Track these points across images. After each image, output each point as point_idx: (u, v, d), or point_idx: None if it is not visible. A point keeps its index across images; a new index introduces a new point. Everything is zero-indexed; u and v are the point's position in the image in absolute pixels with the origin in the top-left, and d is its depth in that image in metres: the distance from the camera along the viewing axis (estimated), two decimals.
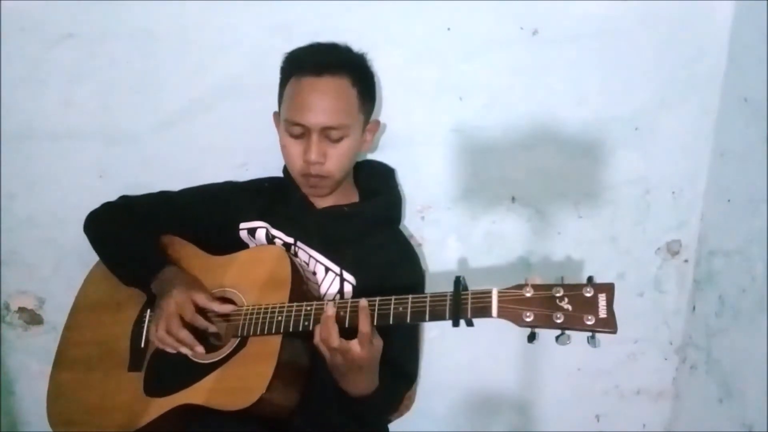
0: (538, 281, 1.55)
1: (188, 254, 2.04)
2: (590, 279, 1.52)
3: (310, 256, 2.02)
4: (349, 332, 1.68)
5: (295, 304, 1.77)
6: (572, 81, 2.22)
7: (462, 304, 1.59)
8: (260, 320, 1.78)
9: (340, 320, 1.69)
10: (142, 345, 1.94)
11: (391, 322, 1.66)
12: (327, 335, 1.68)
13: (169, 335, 1.80)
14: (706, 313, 2.36)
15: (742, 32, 2.15)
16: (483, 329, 1.65)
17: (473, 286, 1.64)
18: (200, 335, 1.85)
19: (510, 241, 2.38)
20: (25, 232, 2.38)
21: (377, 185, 2.17)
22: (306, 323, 1.74)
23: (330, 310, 1.68)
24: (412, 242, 2.32)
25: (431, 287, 2.26)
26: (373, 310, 1.68)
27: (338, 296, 1.99)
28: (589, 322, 1.47)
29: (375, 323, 1.67)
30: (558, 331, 1.51)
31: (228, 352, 1.80)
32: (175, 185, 2.18)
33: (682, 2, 2.13)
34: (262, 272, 1.89)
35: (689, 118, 2.27)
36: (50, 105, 2.25)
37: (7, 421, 2.57)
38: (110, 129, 2.28)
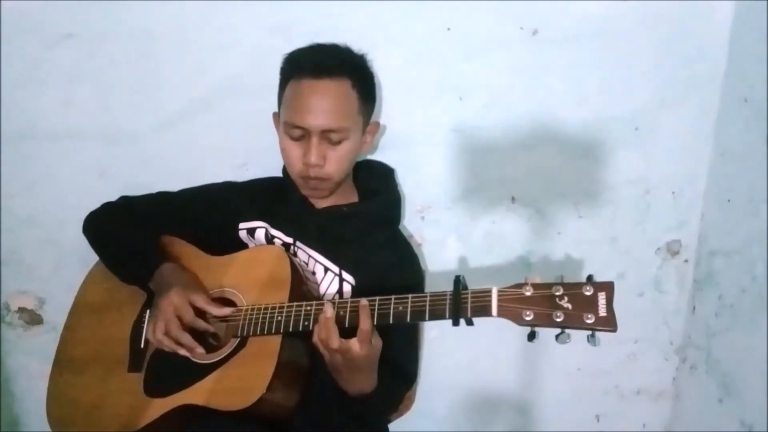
0: (538, 280, 1.55)
1: (188, 254, 2.04)
2: (590, 278, 1.53)
3: (310, 256, 2.01)
4: (348, 332, 1.68)
5: (294, 303, 1.77)
6: (572, 81, 2.22)
7: (462, 303, 1.59)
8: (260, 320, 1.78)
9: (339, 320, 1.69)
10: (142, 345, 1.93)
11: (391, 322, 1.66)
12: (327, 337, 1.67)
13: (168, 337, 1.81)
14: (706, 313, 2.36)
15: (742, 32, 2.15)
16: (483, 329, 1.65)
17: (473, 285, 1.63)
18: (199, 335, 1.85)
19: (510, 241, 2.38)
20: (25, 232, 2.38)
21: (377, 185, 2.17)
22: (306, 323, 1.74)
23: (329, 311, 1.68)
24: (412, 242, 2.33)
25: (431, 287, 2.26)
26: (373, 309, 1.67)
27: (337, 296, 1.98)
28: (589, 321, 1.47)
29: (375, 323, 1.67)
30: (558, 330, 1.50)
31: (228, 352, 1.80)
32: (175, 185, 2.18)
33: (682, 2, 2.14)
34: (262, 272, 1.89)
35: (689, 118, 2.27)
36: (50, 105, 2.25)
37: (7, 421, 2.57)
38: (110, 129, 2.28)
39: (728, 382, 2.25)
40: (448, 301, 1.61)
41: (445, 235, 2.38)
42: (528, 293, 1.53)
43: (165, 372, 1.86)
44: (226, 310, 1.84)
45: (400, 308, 1.66)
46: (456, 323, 1.59)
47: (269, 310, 1.78)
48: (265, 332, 1.76)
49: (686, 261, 2.43)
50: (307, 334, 1.74)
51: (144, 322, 1.96)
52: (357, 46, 2.04)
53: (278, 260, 1.90)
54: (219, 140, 2.28)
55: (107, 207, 2.14)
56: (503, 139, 2.27)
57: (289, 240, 2.04)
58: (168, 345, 1.81)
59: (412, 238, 2.35)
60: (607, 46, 2.19)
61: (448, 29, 2.17)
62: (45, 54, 2.19)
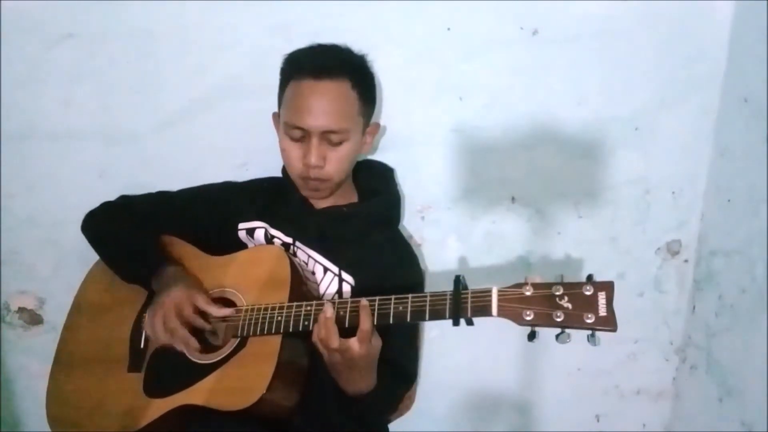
0: (538, 280, 1.55)
1: (187, 254, 2.03)
2: (590, 277, 1.53)
3: (309, 256, 2.01)
4: (348, 332, 1.68)
5: (294, 303, 1.77)
6: (572, 81, 2.22)
7: (462, 303, 1.59)
8: (260, 320, 1.78)
9: (339, 320, 1.69)
10: (142, 345, 1.93)
11: (391, 322, 1.66)
12: (326, 336, 1.67)
13: (164, 327, 1.80)
14: (706, 313, 2.36)
15: (742, 32, 2.15)
16: (483, 329, 1.65)
17: (473, 285, 1.63)
18: (198, 335, 1.85)
19: (510, 241, 2.39)
20: (25, 232, 2.38)
21: (376, 185, 2.17)
22: (306, 323, 1.73)
23: (329, 311, 1.68)
24: (412, 242, 2.33)
25: (431, 287, 2.26)
26: (373, 309, 1.67)
27: (337, 296, 1.98)
28: (589, 321, 1.47)
29: (375, 322, 1.67)
30: (558, 330, 1.51)
31: (228, 352, 1.80)
32: (175, 185, 2.18)
33: (682, 2, 2.14)
34: (262, 272, 1.89)
35: (689, 118, 2.27)
36: (50, 105, 2.25)
37: (7, 421, 2.57)
38: (110, 129, 2.28)
39: (728, 382, 2.25)
40: (448, 301, 1.61)
41: (445, 235, 2.38)
42: (528, 293, 1.53)
43: (165, 372, 1.86)
44: (226, 311, 1.83)
45: (400, 308, 1.65)
46: (456, 323, 1.58)
47: (269, 311, 1.78)
48: (265, 332, 1.76)
49: (686, 261, 2.43)
50: (307, 333, 1.73)
51: (144, 322, 1.96)
52: (357, 46, 2.04)
53: (278, 260, 1.89)
54: (219, 140, 2.28)
55: (106, 206, 2.14)
56: (503, 139, 2.27)
57: (289, 240, 2.04)
58: (163, 337, 1.81)
59: (412, 238, 2.36)
60: (607, 46, 2.19)
61: (448, 29, 2.17)
62: (45, 54, 2.19)
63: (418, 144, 2.29)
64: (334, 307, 1.69)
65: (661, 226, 2.39)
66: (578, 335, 1.51)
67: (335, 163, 1.96)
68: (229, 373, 1.78)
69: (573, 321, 1.48)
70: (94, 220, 2.12)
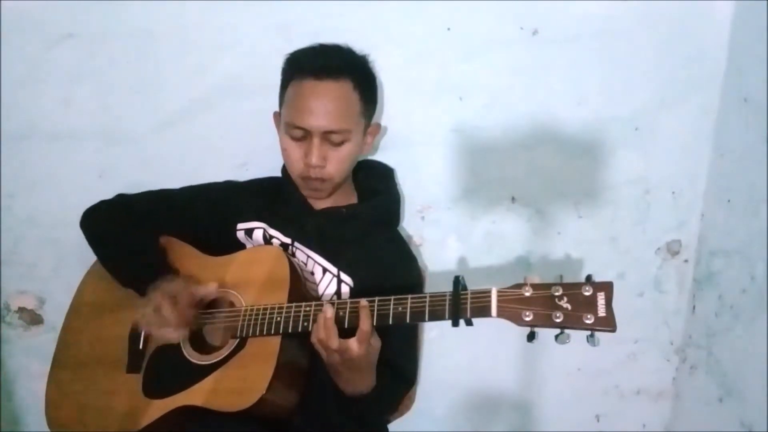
0: (537, 280, 1.55)
1: (186, 254, 2.03)
2: (589, 278, 1.52)
3: (308, 256, 2.01)
4: (348, 332, 1.68)
5: (294, 304, 1.76)
6: (572, 81, 2.22)
7: (461, 304, 1.59)
8: (259, 321, 1.77)
9: (339, 320, 1.69)
10: (141, 346, 1.92)
11: (390, 322, 1.66)
12: (326, 337, 1.67)
13: (156, 314, 1.79)
14: (706, 313, 2.36)
15: (742, 32, 2.15)
16: (483, 329, 1.65)
17: (473, 286, 1.63)
18: (197, 337, 1.87)
19: (510, 241, 2.39)
20: (25, 232, 2.38)
21: (376, 185, 2.17)
22: (305, 324, 1.73)
23: (329, 312, 1.68)
24: (412, 242, 2.34)
25: (431, 287, 2.26)
26: (373, 310, 1.67)
27: (335, 297, 1.98)
28: (588, 321, 1.47)
29: (374, 323, 1.67)
30: (557, 330, 1.51)
31: (227, 353, 1.80)
32: (175, 185, 2.17)
33: (682, 2, 2.14)
34: (261, 272, 1.89)
35: (689, 118, 2.27)
36: (50, 105, 2.25)
37: (7, 421, 2.57)
38: (110, 129, 2.28)
39: (728, 382, 2.25)
40: (447, 302, 1.61)
41: (445, 235, 2.38)
42: (527, 294, 1.53)
43: (164, 373, 1.86)
44: (212, 286, 1.86)
45: (400, 309, 1.65)
46: (455, 324, 1.58)
47: (268, 311, 1.78)
48: (265, 333, 1.75)
49: (686, 261, 2.43)
50: (307, 334, 1.73)
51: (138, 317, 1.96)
52: (357, 46, 2.04)
53: (277, 260, 1.89)
54: (219, 140, 2.28)
55: (105, 205, 2.12)
56: (503, 139, 2.27)
57: (288, 240, 2.04)
58: (154, 322, 1.79)
59: (412, 238, 2.36)
60: (607, 46, 2.19)
61: (448, 29, 2.17)
62: (45, 54, 2.19)
63: (418, 144, 2.29)
64: (333, 308, 1.69)
65: (661, 226, 2.39)
66: (578, 336, 1.51)
67: (336, 163, 1.96)
68: (229, 374, 1.77)
69: (572, 321, 1.48)
70: (93, 219, 2.10)
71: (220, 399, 1.74)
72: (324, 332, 1.67)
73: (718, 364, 2.31)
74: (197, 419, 1.74)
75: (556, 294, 1.51)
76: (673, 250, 2.41)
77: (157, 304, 1.79)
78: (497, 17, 2.16)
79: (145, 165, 2.30)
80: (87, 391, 1.94)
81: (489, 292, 1.57)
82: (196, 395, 1.77)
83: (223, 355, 1.80)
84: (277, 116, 2.06)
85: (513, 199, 2.34)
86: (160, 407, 1.80)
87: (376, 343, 1.72)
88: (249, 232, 2.06)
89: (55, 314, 2.31)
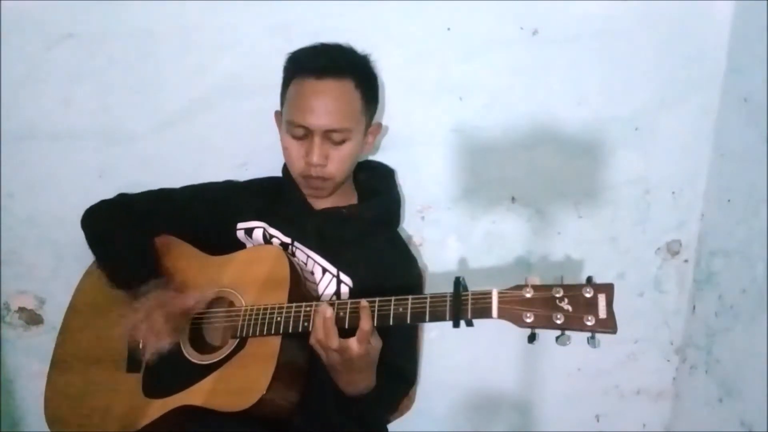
0: (538, 281, 1.55)
1: (185, 254, 2.03)
2: (589, 279, 1.52)
3: (308, 256, 2.01)
4: (348, 333, 1.68)
5: (294, 304, 1.76)
6: (572, 81, 2.22)
7: (462, 305, 1.58)
8: (259, 321, 1.77)
9: (339, 321, 1.68)
10: (140, 345, 1.92)
11: (391, 323, 1.65)
12: (325, 337, 1.67)
13: (147, 324, 1.79)
14: (706, 313, 2.37)
15: (742, 32, 2.15)
16: (483, 329, 1.65)
17: (473, 286, 1.63)
18: (197, 336, 1.87)
19: (510, 241, 2.39)
20: (25, 232, 2.38)
21: (377, 186, 2.17)
22: (305, 324, 1.73)
23: (328, 312, 1.68)
24: (413, 242, 2.34)
25: (431, 287, 2.27)
26: (373, 310, 1.67)
27: (335, 297, 1.98)
28: (589, 323, 1.47)
29: (375, 324, 1.66)
30: (558, 332, 1.51)
31: (227, 353, 1.79)
32: (175, 185, 2.16)
33: (682, 2, 2.14)
34: (261, 272, 1.89)
35: (689, 118, 2.27)
36: (50, 105, 2.25)
37: (7, 421, 2.57)
38: (110, 129, 2.28)
39: (728, 382, 2.25)
40: (448, 303, 1.61)
41: (445, 235, 2.38)
42: (528, 295, 1.53)
43: (164, 373, 1.85)
44: (195, 297, 1.85)
45: (400, 309, 1.65)
46: (456, 325, 1.58)
47: (268, 311, 1.78)
48: (265, 333, 1.75)
49: (686, 261, 2.43)
50: (307, 334, 1.73)
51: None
52: (357, 46, 2.04)
53: (277, 260, 1.89)
54: (219, 140, 2.28)
55: (105, 204, 2.12)
56: (503, 139, 2.27)
57: (287, 240, 2.04)
58: (142, 332, 1.79)
59: (412, 238, 2.36)
60: (607, 46, 2.19)
61: (448, 29, 2.17)
62: (45, 54, 2.19)
63: (418, 144, 2.29)
64: (333, 308, 1.69)
65: (661, 226, 2.39)
66: (578, 336, 1.51)
67: (337, 162, 1.96)
68: (229, 374, 1.77)
69: (573, 323, 1.48)
70: (92, 218, 2.10)
71: (220, 399, 1.74)
72: (323, 332, 1.67)
73: (718, 364, 2.31)
74: (197, 419, 1.74)
75: (557, 295, 1.50)
76: (673, 250, 2.41)
77: (148, 313, 1.79)
78: (497, 17, 2.16)
79: (145, 165, 2.29)
80: (86, 391, 1.94)
81: (490, 293, 1.57)
82: (195, 395, 1.77)
83: (223, 355, 1.80)
84: (278, 115, 2.06)
85: (513, 199, 2.34)
86: (159, 407, 1.80)
87: (377, 343, 1.72)
88: (249, 232, 2.06)
89: (55, 314, 2.30)
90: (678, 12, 2.15)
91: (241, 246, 2.05)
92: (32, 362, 2.50)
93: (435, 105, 2.25)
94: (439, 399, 2.54)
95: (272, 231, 2.05)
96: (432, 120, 2.26)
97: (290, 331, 1.73)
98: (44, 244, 2.39)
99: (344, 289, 1.99)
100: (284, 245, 2.03)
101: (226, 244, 2.03)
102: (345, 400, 1.83)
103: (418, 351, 2.21)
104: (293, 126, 1.93)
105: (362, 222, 2.06)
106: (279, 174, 2.13)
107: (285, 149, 2.00)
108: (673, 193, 2.35)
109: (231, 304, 1.87)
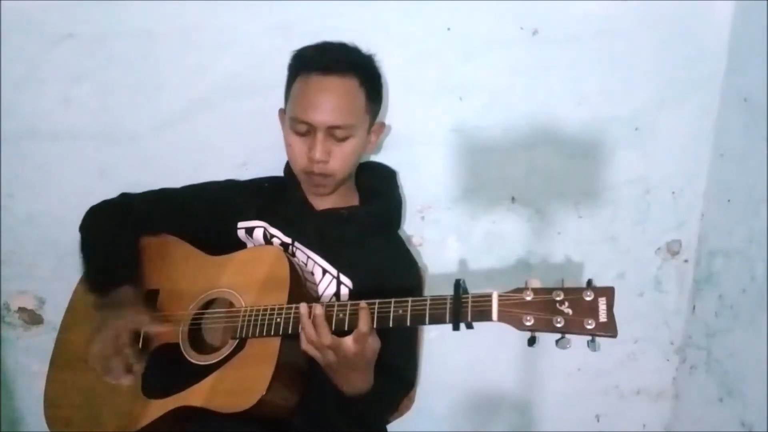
0: (538, 284, 1.55)
1: (185, 254, 2.03)
2: (589, 282, 1.52)
3: (308, 257, 2.01)
4: (347, 335, 1.67)
5: (294, 305, 1.75)
6: (572, 81, 2.22)
7: (462, 308, 1.58)
8: (259, 322, 1.77)
9: (338, 322, 1.68)
10: (140, 346, 1.92)
11: (390, 325, 1.65)
12: (318, 334, 1.66)
13: (102, 358, 1.80)
14: (706, 313, 2.37)
15: (742, 32, 2.15)
16: (483, 330, 1.64)
17: (473, 286, 1.63)
18: (195, 336, 1.87)
19: (510, 241, 2.39)
20: (25, 232, 2.39)
21: (378, 187, 2.17)
22: None
23: (318, 309, 1.67)
24: (412, 242, 2.34)
25: (431, 287, 2.28)
26: (373, 312, 1.66)
27: (334, 298, 1.98)
28: (589, 327, 1.47)
29: (375, 326, 1.66)
30: (558, 335, 1.50)
31: (227, 353, 1.79)
32: (176, 185, 2.17)
33: (682, 2, 2.14)
34: (260, 272, 1.88)
35: (689, 118, 2.27)
36: (50, 105, 2.25)
37: (7, 421, 2.58)
38: (110, 129, 2.28)
39: (728, 382, 2.25)
40: (448, 306, 1.60)
41: (445, 235, 2.39)
42: (528, 298, 1.52)
43: (163, 373, 1.85)
44: (162, 328, 1.85)
45: (400, 311, 1.64)
46: (456, 328, 1.58)
47: (268, 312, 1.77)
48: (264, 334, 1.75)
49: (686, 261, 2.43)
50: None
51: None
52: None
53: (277, 260, 1.88)
54: (219, 140, 2.28)
55: (105, 204, 2.13)
56: (503, 139, 2.27)
57: (288, 240, 2.04)
58: (98, 366, 1.81)
59: (412, 238, 2.36)
60: (607, 46, 2.19)
61: (448, 29, 2.17)
62: (45, 54, 2.19)
63: (418, 144, 2.29)
64: (323, 306, 1.68)
65: (661, 226, 2.39)
66: (578, 339, 1.51)
67: (339, 159, 1.96)
68: (228, 375, 1.77)
69: (573, 326, 1.48)
70: (89, 218, 2.11)
71: (220, 399, 1.74)
72: (313, 330, 1.67)
73: (718, 364, 2.31)
74: (197, 419, 1.74)
75: (558, 299, 1.50)
76: (673, 250, 2.41)
77: (104, 343, 1.80)
78: (497, 17, 2.15)
79: (145, 165, 2.29)
80: (86, 391, 1.93)
81: (490, 296, 1.56)
82: (195, 396, 1.77)
83: (223, 356, 1.80)
84: (282, 113, 2.06)
85: (513, 199, 2.34)
86: (159, 407, 1.80)
87: (375, 343, 1.71)
88: (250, 231, 2.06)
89: (55, 314, 2.30)
90: (678, 12, 2.15)
91: (242, 246, 2.05)
92: (32, 362, 2.51)
93: (435, 105, 2.25)
94: (439, 399, 2.54)
95: (273, 231, 2.05)
96: (432, 120, 2.26)
97: (290, 332, 1.73)
98: (44, 244, 2.40)
99: (344, 291, 1.99)
100: (284, 245, 2.03)
101: (226, 243, 2.03)
102: (344, 401, 1.82)
103: (417, 352, 2.21)
104: (297, 122, 1.93)
105: (363, 223, 2.06)
106: (280, 173, 2.14)
107: (288, 146, 2.00)
108: (673, 193, 2.35)
109: (231, 304, 1.87)
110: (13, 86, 2.22)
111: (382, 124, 2.13)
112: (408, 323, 1.64)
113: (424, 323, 1.63)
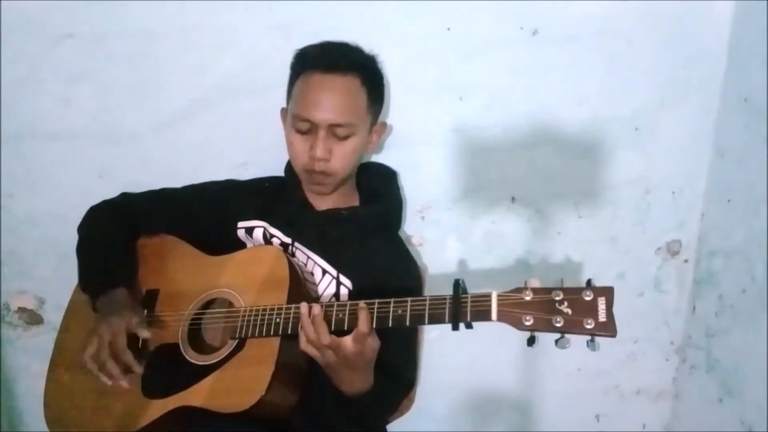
0: (537, 284, 1.55)
1: (184, 254, 2.03)
2: (589, 282, 1.52)
3: (308, 257, 2.01)
4: (346, 335, 1.68)
5: (293, 305, 1.75)
6: (572, 81, 2.22)
7: (461, 308, 1.58)
8: (258, 322, 1.77)
9: (338, 322, 1.68)
10: (140, 345, 1.91)
11: (390, 325, 1.65)
12: (317, 333, 1.66)
13: (97, 360, 1.80)
14: (706, 313, 2.37)
15: (742, 32, 2.15)
16: (483, 330, 1.64)
17: (473, 286, 1.63)
18: (195, 336, 1.87)
19: (510, 241, 2.39)
20: (25, 232, 2.39)
21: (378, 188, 2.17)
22: None
23: (316, 308, 1.67)
24: (412, 242, 2.34)
25: (431, 287, 2.28)
26: (372, 312, 1.66)
27: (334, 299, 1.98)
28: (588, 326, 1.47)
29: (374, 326, 1.66)
30: (557, 335, 1.50)
31: (226, 353, 1.79)
32: (176, 185, 2.17)
33: (682, 2, 2.14)
34: (260, 272, 1.88)
35: (689, 118, 2.27)
36: (50, 105, 2.25)
37: (7, 421, 2.58)
38: (110, 129, 2.28)
39: (728, 382, 2.25)
40: (447, 306, 1.60)
41: (445, 235, 2.38)
42: (528, 298, 1.52)
43: (163, 373, 1.85)
44: (149, 333, 1.83)
45: (399, 312, 1.64)
46: (456, 328, 1.58)
47: (267, 312, 1.77)
48: (264, 334, 1.75)
49: (686, 261, 2.43)
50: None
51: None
52: None
53: (276, 260, 1.88)
54: (219, 140, 2.28)
55: (105, 205, 2.13)
56: (503, 139, 2.27)
57: (288, 240, 2.04)
58: (91, 368, 1.80)
59: (412, 238, 2.36)
60: (607, 46, 2.19)
61: (448, 29, 2.17)
62: (45, 54, 2.19)
63: (418, 144, 2.28)
64: (322, 307, 1.68)
65: (661, 226, 2.39)
66: (578, 338, 1.51)
67: (340, 157, 1.96)
68: (228, 375, 1.77)
69: (573, 326, 1.48)
70: (86, 221, 2.11)
71: (219, 400, 1.73)
72: (313, 330, 1.67)
73: (718, 364, 2.31)
74: (196, 420, 1.74)
75: (557, 298, 1.50)
76: (673, 250, 2.41)
77: (100, 344, 1.80)
78: (497, 17, 2.15)
79: (145, 165, 2.29)
80: (86, 391, 1.93)
81: (489, 295, 1.56)
82: (195, 396, 1.77)
83: (223, 356, 1.80)
84: (284, 112, 2.07)
85: (513, 199, 2.34)
86: (158, 407, 1.80)
87: (374, 343, 1.72)
88: (249, 231, 2.06)
89: (55, 314, 2.31)
90: (678, 12, 2.15)
91: (242, 246, 2.05)
92: (32, 362, 2.51)
93: (435, 105, 2.25)
94: (439, 399, 2.54)
95: (273, 231, 2.05)
96: (432, 120, 2.26)
97: (289, 332, 1.73)
98: (44, 244, 2.40)
99: (343, 291, 1.99)
100: (284, 245, 2.03)
101: (226, 243, 2.03)
102: (344, 401, 1.82)
103: (417, 353, 2.21)
104: (298, 120, 1.94)
105: (363, 224, 2.06)
106: (280, 173, 2.14)
107: (289, 143, 2.00)
108: (673, 193, 2.34)
109: (230, 304, 1.87)
110: (13, 86, 2.22)
111: (384, 124, 2.13)
112: (407, 323, 1.64)
113: (424, 323, 1.63)
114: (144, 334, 1.82)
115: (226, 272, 1.94)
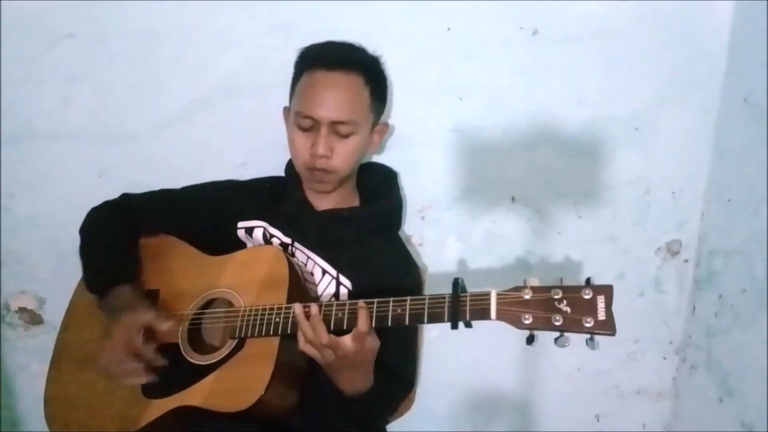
0: (536, 283, 1.55)
1: (185, 254, 2.03)
2: (588, 281, 1.52)
3: (308, 257, 2.01)
4: (345, 334, 1.68)
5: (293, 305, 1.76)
6: (572, 81, 2.22)
7: (461, 307, 1.58)
8: (258, 321, 1.77)
9: (337, 322, 1.68)
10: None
11: (389, 324, 1.65)
12: (316, 333, 1.66)
13: (115, 364, 1.78)
14: (706, 313, 2.37)
15: (742, 32, 2.15)
16: (483, 329, 1.64)
17: (473, 285, 1.63)
18: (195, 336, 1.87)
19: (510, 241, 2.39)
20: (25, 232, 2.38)
21: (379, 188, 2.17)
22: None
23: (314, 308, 1.68)
24: (412, 242, 2.34)
25: (431, 287, 2.27)
26: (371, 311, 1.66)
27: (334, 299, 1.98)
28: (587, 325, 1.47)
29: (373, 325, 1.66)
30: (557, 333, 1.50)
31: (226, 353, 1.79)
32: (175, 185, 2.17)
33: (682, 2, 2.14)
34: (260, 272, 1.88)
35: (689, 118, 2.27)
36: (50, 105, 2.24)
37: (7, 421, 2.57)
38: (110, 129, 2.27)
39: (728, 382, 2.25)
40: (446, 304, 1.60)
41: (445, 235, 2.38)
42: (527, 296, 1.52)
43: (163, 373, 1.84)
44: (167, 324, 1.81)
45: (399, 311, 1.64)
46: (455, 326, 1.58)
47: (267, 312, 1.77)
48: (263, 334, 1.75)
49: (686, 261, 2.43)
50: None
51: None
52: None
53: (276, 260, 1.88)
54: (219, 140, 2.28)
55: (106, 205, 2.13)
56: (503, 139, 2.27)
57: (288, 240, 2.04)
58: (114, 371, 1.79)
59: (412, 238, 2.36)
60: (607, 46, 2.19)
61: (448, 29, 2.17)
62: (45, 54, 2.19)
63: (418, 144, 2.29)
64: (320, 308, 1.69)
65: (661, 226, 2.39)
66: (577, 337, 1.51)
67: (342, 155, 1.96)
68: (228, 375, 1.77)
69: (572, 325, 1.48)
70: (87, 222, 2.11)
71: (219, 399, 1.73)
72: (311, 330, 1.67)
73: (718, 364, 2.31)
74: (196, 419, 1.74)
75: (556, 297, 1.50)
76: (673, 250, 2.41)
77: (115, 345, 1.78)
78: (497, 17, 2.16)
79: (145, 165, 2.29)
80: (86, 391, 1.93)
81: (488, 294, 1.56)
82: (194, 395, 1.77)
83: (222, 356, 1.80)
84: (286, 111, 2.07)
85: (513, 199, 2.34)
86: (158, 407, 1.80)
87: (374, 342, 1.72)
88: (249, 231, 2.06)
89: (55, 314, 2.30)
90: (678, 12, 2.15)
91: (242, 246, 2.05)
92: (32, 362, 2.51)
93: (435, 105, 2.25)
94: (439, 399, 2.54)
95: (272, 231, 2.05)
96: (432, 120, 2.26)
97: (289, 331, 1.73)
98: (44, 244, 2.39)
99: (343, 291, 1.99)
100: (284, 245, 2.03)
101: (226, 243, 2.03)
102: (344, 401, 1.82)
103: (417, 352, 2.21)
104: (301, 117, 1.94)
105: (363, 224, 2.06)
106: (280, 173, 2.14)
107: (291, 141, 2.00)
108: (673, 193, 2.34)
109: (230, 304, 1.87)
110: (13, 86, 2.22)
111: (386, 125, 2.13)
112: (407, 322, 1.64)
113: (423, 322, 1.63)
114: (164, 326, 1.80)
115: (225, 272, 1.94)
